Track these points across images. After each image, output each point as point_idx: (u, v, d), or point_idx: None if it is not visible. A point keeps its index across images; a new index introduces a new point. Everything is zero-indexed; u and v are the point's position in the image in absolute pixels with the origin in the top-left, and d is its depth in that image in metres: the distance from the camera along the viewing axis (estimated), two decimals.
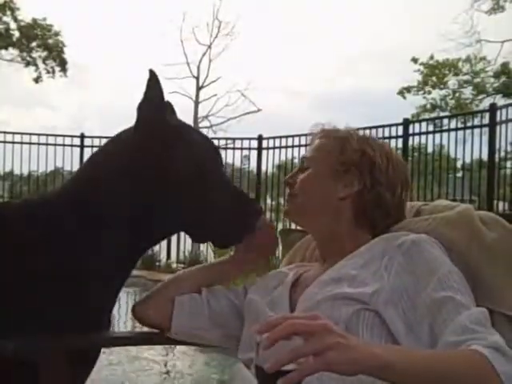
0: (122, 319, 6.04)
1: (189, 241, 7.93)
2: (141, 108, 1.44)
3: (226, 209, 1.49)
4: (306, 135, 9.28)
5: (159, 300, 1.55)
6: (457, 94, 22.00)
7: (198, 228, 1.52)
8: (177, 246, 9.90)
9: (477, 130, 7.89)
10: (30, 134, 10.59)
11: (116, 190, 1.46)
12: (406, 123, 8.13)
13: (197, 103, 22.31)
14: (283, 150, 9.72)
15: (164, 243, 9.20)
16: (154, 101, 1.44)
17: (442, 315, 1.13)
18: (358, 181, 1.37)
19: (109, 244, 1.48)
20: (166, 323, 1.52)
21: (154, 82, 1.43)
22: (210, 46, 22.65)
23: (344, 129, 1.47)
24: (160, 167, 1.45)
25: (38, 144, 10.50)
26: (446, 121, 8.56)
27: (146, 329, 1.62)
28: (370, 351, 0.94)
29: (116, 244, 1.48)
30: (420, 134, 8.05)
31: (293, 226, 1.82)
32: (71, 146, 10.57)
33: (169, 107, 1.59)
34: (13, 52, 20.76)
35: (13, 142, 10.45)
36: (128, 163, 1.47)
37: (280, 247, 1.76)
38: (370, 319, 1.19)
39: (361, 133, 1.46)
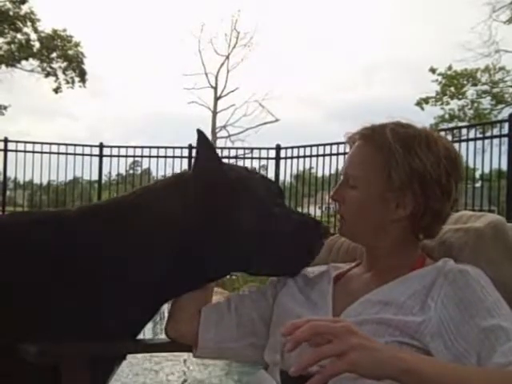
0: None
1: None
2: (197, 159, 1.47)
3: (284, 245, 1.47)
4: (324, 145, 9.31)
5: (186, 314, 1.50)
6: (475, 105, 21.89)
7: (254, 267, 1.51)
8: None
9: (496, 140, 7.88)
10: (50, 143, 10.71)
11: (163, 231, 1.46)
12: None
13: (215, 113, 22.44)
14: (301, 160, 9.75)
15: None
16: (207, 155, 1.47)
17: (491, 341, 1.09)
18: (411, 201, 1.30)
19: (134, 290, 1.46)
20: (195, 337, 1.48)
21: (202, 139, 1.46)
22: (227, 57, 22.83)
23: (383, 128, 1.34)
24: (213, 216, 1.45)
25: (58, 153, 10.62)
26: (464, 131, 8.54)
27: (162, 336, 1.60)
28: (396, 354, 0.94)
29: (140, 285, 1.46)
30: None
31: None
32: (90, 155, 10.68)
33: None
34: (33, 63, 21.03)
35: (33, 152, 10.57)
36: (182, 208, 1.47)
37: None
38: (412, 351, 1.14)
39: (401, 131, 1.32)
